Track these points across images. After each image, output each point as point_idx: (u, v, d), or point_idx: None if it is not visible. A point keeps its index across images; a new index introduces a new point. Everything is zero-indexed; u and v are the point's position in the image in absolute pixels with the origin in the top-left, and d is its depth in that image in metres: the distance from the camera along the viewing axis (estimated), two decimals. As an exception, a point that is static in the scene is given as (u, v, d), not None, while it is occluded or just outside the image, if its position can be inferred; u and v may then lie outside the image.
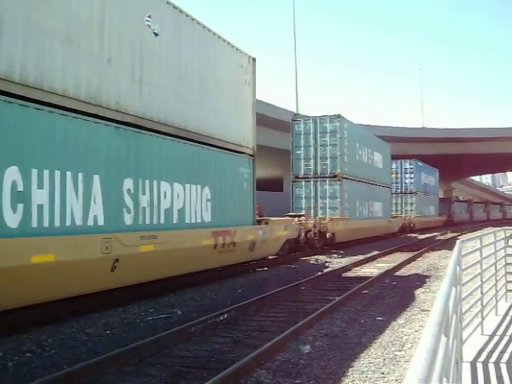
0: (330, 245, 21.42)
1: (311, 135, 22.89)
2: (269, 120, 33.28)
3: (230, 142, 13.40)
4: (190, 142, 11.64)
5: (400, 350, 6.64)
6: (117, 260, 9.00)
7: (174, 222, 10.98)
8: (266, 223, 14.88)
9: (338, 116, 22.67)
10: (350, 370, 5.86)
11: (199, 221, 11.88)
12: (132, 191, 9.74)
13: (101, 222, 8.98)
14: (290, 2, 40.53)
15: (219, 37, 13.00)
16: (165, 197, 10.70)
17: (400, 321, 8.40)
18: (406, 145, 49.92)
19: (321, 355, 6.43)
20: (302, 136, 23.02)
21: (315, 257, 18.39)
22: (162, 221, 10.58)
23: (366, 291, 11.30)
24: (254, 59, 14.74)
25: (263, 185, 41.87)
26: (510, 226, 19.13)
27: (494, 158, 58.40)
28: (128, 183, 9.65)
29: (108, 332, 7.74)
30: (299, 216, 19.28)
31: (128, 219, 9.63)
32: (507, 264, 8.31)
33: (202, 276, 12.26)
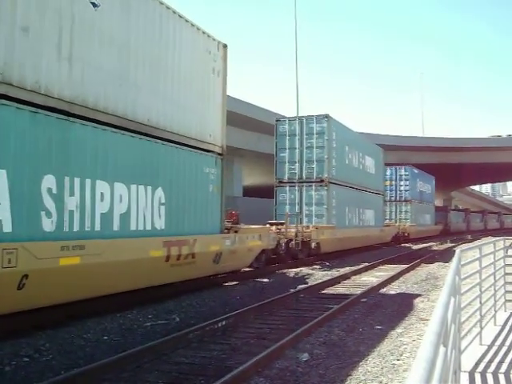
0: (315, 256, 19.60)
1: (297, 137, 21.04)
2: (267, 127, 31.77)
3: (192, 137, 11.55)
4: (138, 135, 9.82)
5: (398, 359, 6.51)
6: (26, 276, 7.17)
7: (115, 229, 9.13)
8: (236, 232, 13.04)
9: (326, 116, 20.85)
10: (348, 378, 5.76)
11: (149, 228, 10.03)
12: (54, 191, 7.87)
13: (7, 228, 7.10)
14: (291, 12, 39.21)
15: (181, 16, 11.19)
16: (102, 199, 8.85)
17: (398, 330, 8.25)
18: (404, 153, 49.03)
19: (319, 363, 6.33)
20: (286, 137, 21.18)
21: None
22: (98, 227, 8.73)
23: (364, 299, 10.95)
24: (224, 45, 12.93)
25: (262, 191, 40.37)
26: (509, 235, 18.29)
27: (493, 167, 57.49)
28: (49, 181, 7.79)
29: (106, 337, 7.58)
30: (278, 224, 17.47)
31: (48, 225, 7.77)
32: (506, 274, 8.16)
33: (201, 282, 12.09)
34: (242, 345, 7.26)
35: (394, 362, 6.42)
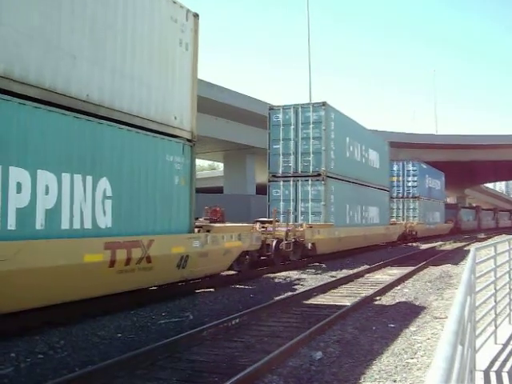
0: (311, 258, 17.62)
1: (291, 126, 18.98)
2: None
3: (151, 119, 9.59)
4: (73, 113, 7.95)
5: (412, 358, 6.39)
6: None
7: (38, 227, 7.22)
8: (208, 231, 11.10)
9: (323, 104, 18.74)
10: (362, 377, 5.65)
11: (89, 227, 8.13)
12: None
13: None
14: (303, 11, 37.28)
15: (135, -26, 9.32)
16: (18, 190, 6.96)
17: (412, 328, 8.06)
18: (417, 151, 47.40)
19: (332, 362, 6.21)
20: (280, 128, 19.12)
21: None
22: (12, 226, 6.81)
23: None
24: (195, 15, 10.97)
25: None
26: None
27: (507, 165, 55.57)
28: None
29: (119, 335, 7.46)
30: (265, 222, 15.51)
31: None
32: (521, 273, 7.87)
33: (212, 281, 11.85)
34: (256, 342, 7.08)
35: (407, 360, 6.28)
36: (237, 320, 8.07)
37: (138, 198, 9.18)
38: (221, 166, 56.27)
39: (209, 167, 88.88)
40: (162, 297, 9.86)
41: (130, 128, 9.04)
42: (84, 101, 8.12)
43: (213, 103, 31.08)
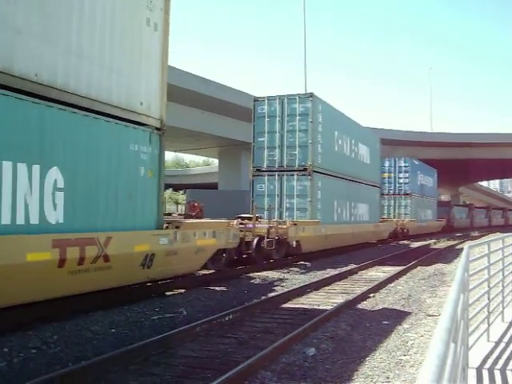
0: (295, 256, 16.81)
1: (277, 119, 18.13)
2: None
3: (113, 104, 8.66)
4: (16, 95, 7.08)
5: (405, 355, 6.34)
6: None
7: (-29, 222, 6.45)
8: (177, 227, 10.25)
9: (310, 95, 17.88)
10: (355, 373, 5.61)
11: (35, 222, 7.21)
12: None
13: None
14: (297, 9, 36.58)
15: None
16: None
17: (405, 325, 8.02)
18: (412, 149, 47.04)
19: (326, 358, 6.15)
20: (265, 120, 18.29)
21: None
22: None
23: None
24: (166, -6, 10.18)
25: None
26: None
27: (501, 163, 55.41)
28: None
29: (113, 330, 7.42)
30: (244, 218, 14.68)
31: None
32: (516, 270, 7.83)
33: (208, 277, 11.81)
34: (249, 339, 7.03)
35: (400, 357, 6.26)
36: (230, 316, 8.00)
37: (95, 190, 8.31)
38: (216, 161, 55.54)
39: (203, 163, 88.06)
40: (155, 292, 9.74)
41: (86, 113, 8.16)
42: (31, 81, 7.23)
43: (209, 99, 30.41)
